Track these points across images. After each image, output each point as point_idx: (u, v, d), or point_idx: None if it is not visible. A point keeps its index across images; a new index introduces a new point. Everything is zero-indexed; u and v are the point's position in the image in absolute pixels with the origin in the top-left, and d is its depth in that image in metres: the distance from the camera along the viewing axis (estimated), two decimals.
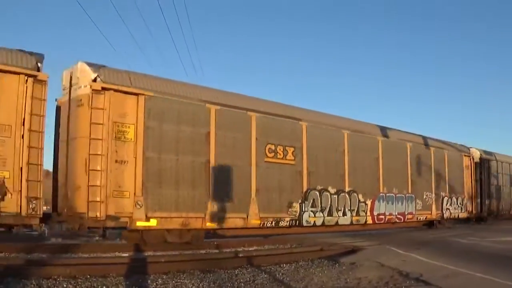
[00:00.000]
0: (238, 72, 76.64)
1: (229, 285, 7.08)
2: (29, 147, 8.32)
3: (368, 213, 15.13)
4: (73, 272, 6.89)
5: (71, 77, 9.62)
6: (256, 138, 11.99)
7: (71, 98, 9.54)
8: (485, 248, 11.86)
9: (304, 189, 13.04)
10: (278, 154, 12.47)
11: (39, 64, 8.73)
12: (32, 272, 6.68)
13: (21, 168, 8.19)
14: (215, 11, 69.82)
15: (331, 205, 13.75)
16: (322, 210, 13.45)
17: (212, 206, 10.76)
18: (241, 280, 7.42)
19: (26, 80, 8.43)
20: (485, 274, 7.69)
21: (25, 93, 8.40)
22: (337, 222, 14.07)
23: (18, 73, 8.35)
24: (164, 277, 7.27)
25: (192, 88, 11.34)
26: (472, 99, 77.27)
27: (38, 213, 8.37)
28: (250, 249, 11.35)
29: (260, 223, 11.81)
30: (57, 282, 6.38)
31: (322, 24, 73.85)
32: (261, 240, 12.86)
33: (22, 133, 8.29)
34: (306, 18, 71.90)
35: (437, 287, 6.97)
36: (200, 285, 6.92)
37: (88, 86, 9.27)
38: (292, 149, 12.86)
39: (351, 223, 14.68)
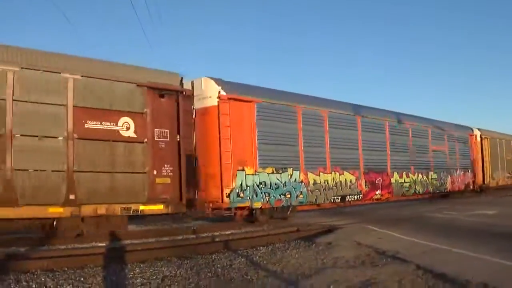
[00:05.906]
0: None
1: (207, 270, 7.15)
2: None
3: None
4: (51, 265, 6.93)
5: None
6: None
7: None
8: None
9: None
10: None
11: None
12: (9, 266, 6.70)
13: None
14: None
15: None
16: None
17: None
18: (218, 266, 7.52)
19: None
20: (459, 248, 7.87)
21: None
22: None
23: None
24: (141, 265, 7.34)
25: None
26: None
27: None
28: (227, 233, 11.47)
29: None
30: (35, 276, 6.40)
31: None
32: (237, 224, 12.99)
33: None
34: None
35: (414, 264, 6.95)
36: (178, 272, 6.99)
37: None
38: None
39: None
